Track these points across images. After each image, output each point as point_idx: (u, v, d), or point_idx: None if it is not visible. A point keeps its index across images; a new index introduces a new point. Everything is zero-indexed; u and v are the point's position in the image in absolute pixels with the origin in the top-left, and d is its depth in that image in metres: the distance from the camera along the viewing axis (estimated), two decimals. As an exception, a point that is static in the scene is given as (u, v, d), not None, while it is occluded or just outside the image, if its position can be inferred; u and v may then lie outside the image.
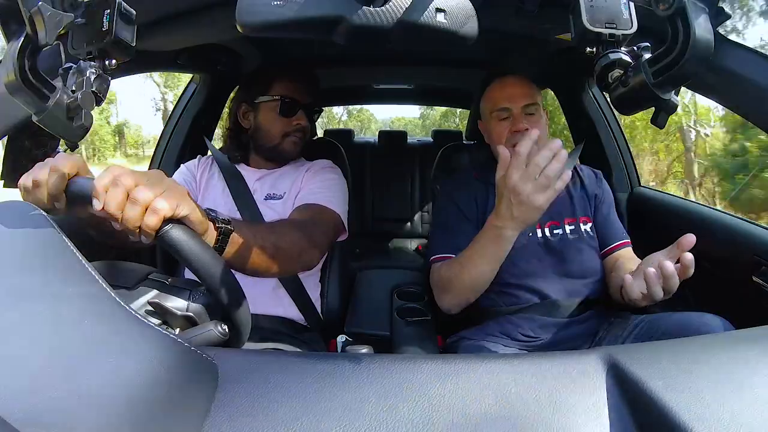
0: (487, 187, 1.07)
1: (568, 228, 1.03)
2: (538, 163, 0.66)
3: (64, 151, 0.75)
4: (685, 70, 0.47)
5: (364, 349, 0.86)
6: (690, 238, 0.71)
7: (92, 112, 0.52)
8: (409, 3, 0.47)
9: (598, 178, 1.12)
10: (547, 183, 0.66)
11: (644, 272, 0.74)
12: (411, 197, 2.59)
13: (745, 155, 6.97)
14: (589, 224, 1.05)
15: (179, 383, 0.37)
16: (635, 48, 0.50)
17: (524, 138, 0.67)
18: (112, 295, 0.41)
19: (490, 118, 1.06)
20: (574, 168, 1.12)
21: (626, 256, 1.03)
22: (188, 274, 0.88)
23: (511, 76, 1.07)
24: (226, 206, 1.02)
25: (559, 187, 0.68)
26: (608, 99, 1.48)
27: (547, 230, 1.02)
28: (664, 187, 8.14)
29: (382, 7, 0.47)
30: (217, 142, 1.36)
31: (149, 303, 0.53)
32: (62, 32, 0.48)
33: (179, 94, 1.66)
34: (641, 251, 1.06)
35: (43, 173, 0.56)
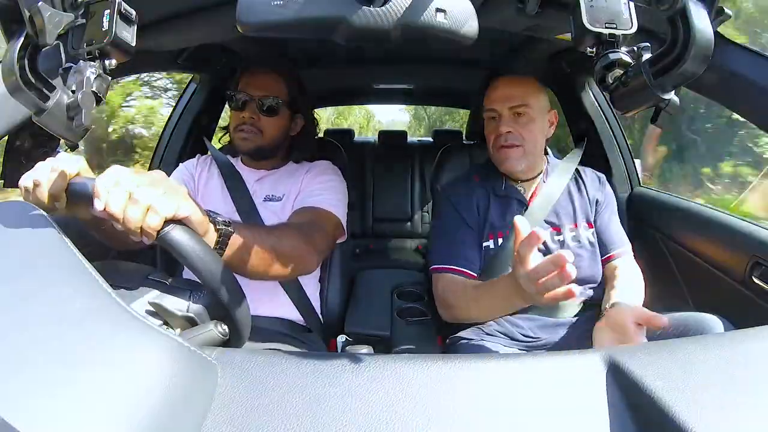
0: (489, 192, 1.06)
1: (569, 235, 1.02)
2: (538, 271, 0.62)
3: (65, 151, 0.75)
4: (685, 70, 0.47)
5: (364, 349, 0.86)
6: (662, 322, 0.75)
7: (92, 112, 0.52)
8: (409, 3, 0.47)
9: (601, 182, 1.10)
10: (546, 291, 0.63)
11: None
12: (411, 197, 2.59)
13: None
14: (591, 230, 1.04)
15: (179, 383, 0.37)
16: (635, 48, 0.50)
17: (529, 243, 0.63)
18: (112, 295, 0.41)
19: (484, 119, 1.07)
20: (576, 171, 1.10)
21: (624, 266, 1.02)
22: (188, 275, 0.88)
23: (506, 76, 1.06)
24: (225, 206, 1.02)
25: (561, 296, 0.63)
26: (608, 99, 1.48)
27: (548, 237, 1.01)
28: None
29: (382, 7, 0.47)
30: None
31: (150, 304, 0.53)
32: (62, 32, 0.48)
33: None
34: (641, 251, 1.06)
35: (43, 173, 0.56)
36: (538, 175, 1.08)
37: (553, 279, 0.61)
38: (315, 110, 1.21)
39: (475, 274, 0.98)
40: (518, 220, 0.65)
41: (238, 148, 1.07)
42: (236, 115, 1.04)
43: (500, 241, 1.01)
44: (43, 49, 0.50)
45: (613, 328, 0.80)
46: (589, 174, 1.11)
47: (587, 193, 1.07)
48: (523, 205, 1.04)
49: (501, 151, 1.02)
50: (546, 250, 1.01)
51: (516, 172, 1.05)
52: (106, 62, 0.51)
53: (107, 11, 0.49)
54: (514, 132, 1.00)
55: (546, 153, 1.11)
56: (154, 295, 0.54)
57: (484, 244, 1.02)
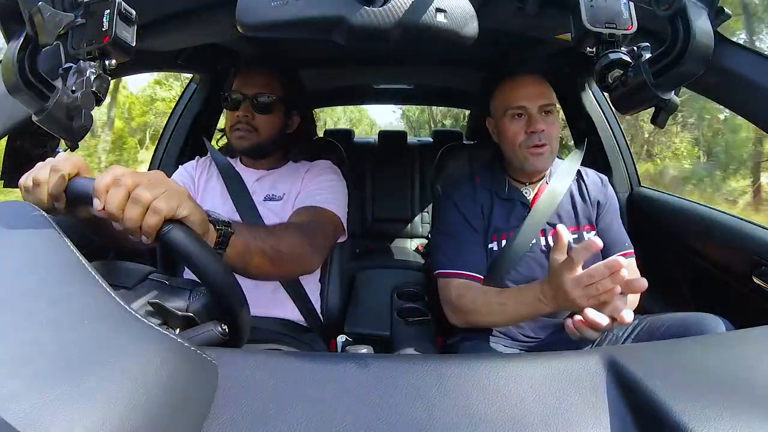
0: (492, 194, 1.05)
1: (571, 237, 1.01)
2: (592, 275, 0.66)
3: (65, 151, 0.75)
4: (685, 70, 0.47)
5: (364, 349, 0.86)
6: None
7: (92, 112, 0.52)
8: (409, 3, 0.47)
9: (603, 183, 1.09)
10: (596, 294, 0.67)
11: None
12: (411, 197, 2.59)
13: None
14: (593, 232, 1.03)
15: (179, 383, 0.37)
16: (635, 48, 0.50)
17: (583, 248, 0.67)
18: (112, 295, 0.41)
19: (504, 117, 1.02)
20: (578, 173, 1.09)
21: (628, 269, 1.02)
22: (188, 275, 0.88)
23: (526, 74, 1.04)
24: (225, 207, 1.02)
25: (607, 301, 0.68)
26: (608, 99, 1.48)
27: (550, 239, 1.01)
28: None
29: (382, 7, 0.47)
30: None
31: (149, 303, 0.53)
32: (62, 32, 0.48)
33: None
34: (641, 251, 1.06)
35: (43, 173, 0.56)
36: (541, 176, 1.07)
37: (604, 283, 0.65)
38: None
39: (482, 277, 0.97)
40: (560, 228, 0.70)
41: (236, 148, 1.07)
42: (231, 115, 1.04)
43: (504, 243, 1.01)
44: (43, 49, 0.50)
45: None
46: (591, 176, 1.10)
47: (589, 196, 1.06)
48: (526, 207, 1.03)
49: (531, 150, 0.99)
50: (548, 252, 1.00)
51: (542, 171, 1.04)
52: (106, 62, 0.51)
53: (107, 11, 0.50)
54: (546, 131, 0.98)
55: None
56: (153, 295, 0.54)
57: (488, 246, 1.02)
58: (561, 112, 1.60)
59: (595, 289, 0.66)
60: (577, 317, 0.69)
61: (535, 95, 0.99)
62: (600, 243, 0.65)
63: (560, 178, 1.06)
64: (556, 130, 1.01)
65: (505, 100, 1.02)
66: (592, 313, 0.67)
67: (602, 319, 0.67)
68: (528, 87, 1.01)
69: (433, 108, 16.48)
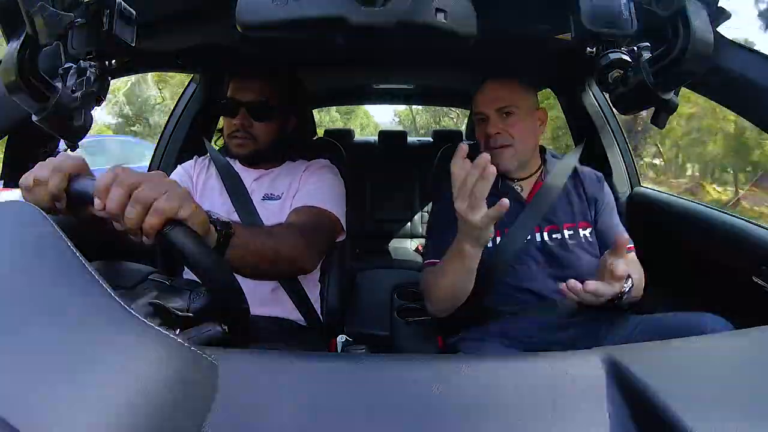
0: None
1: (566, 233, 1.02)
2: (466, 182, 0.67)
3: (65, 151, 0.75)
4: (685, 70, 0.47)
5: (364, 349, 0.86)
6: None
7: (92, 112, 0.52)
8: (409, 3, 0.47)
9: (599, 181, 1.10)
10: (477, 202, 0.67)
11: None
12: (411, 197, 2.59)
13: None
14: (589, 229, 1.04)
15: (179, 383, 0.37)
16: (635, 48, 0.50)
17: (456, 156, 0.68)
18: (112, 295, 0.41)
19: (475, 122, 1.08)
20: (575, 170, 1.10)
21: (629, 263, 1.02)
22: (188, 275, 0.88)
23: (493, 79, 1.07)
24: (224, 207, 1.02)
25: (495, 211, 0.69)
26: (608, 99, 1.48)
27: (545, 235, 1.01)
28: None
29: (382, 7, 0.47)
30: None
31: (149, 303, 0.53)
32: (62, 32, 0.48)
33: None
34: (641, 251, 1.06)
35: (44, 172, 0.56)
36: (536, 173, 1.08)
37: (475, 181, 0.66)
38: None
39: None
40: (461, 144, 0.71)
41: (234, 155, 1.07)
42: (228, 122, 1.04)
43: (498, 239, 1.01)
44: (43, 49, 0.50)
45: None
46: (587, 173, 1.11)
47: (585, 192, 1.07)
48: (519, 203, 1.04)
49: (492, 152, 1.01)
50: (543, 248, 1.01)
51: (509, 172, 1.05)
52: (106, 62, 0.51)
53: (107, 11, 0.50)
54: (503, 133, 1.01)
55: (543, 152, 1.11)
56: (154, 295, 0.54)
57: None
58: (560, 111, 1.59)
59: (469, 190, 0.67)
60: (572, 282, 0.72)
61: (492, 100, 1.03)
62: (487, 157, 0.66)
63: (556, 175, 1.06)
64: (520, 129, 1.02)
65: (473, 107, 1.08)
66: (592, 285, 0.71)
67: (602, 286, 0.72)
68: (487, 92, 1.05)
69: (416, 118, 18.88)
